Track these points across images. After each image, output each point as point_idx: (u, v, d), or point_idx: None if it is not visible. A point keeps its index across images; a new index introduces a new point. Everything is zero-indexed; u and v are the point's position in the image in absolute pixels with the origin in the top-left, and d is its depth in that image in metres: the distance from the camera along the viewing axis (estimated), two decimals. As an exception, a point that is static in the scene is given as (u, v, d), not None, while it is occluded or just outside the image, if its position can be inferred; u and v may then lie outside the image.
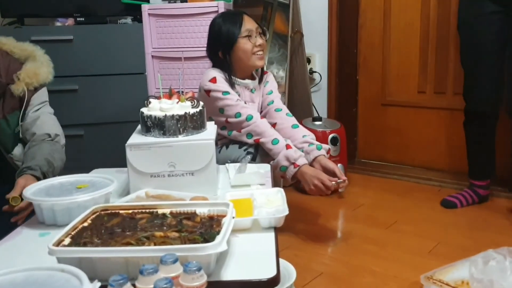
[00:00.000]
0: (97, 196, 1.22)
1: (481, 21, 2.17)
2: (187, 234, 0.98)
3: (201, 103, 1.46)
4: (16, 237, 1.18)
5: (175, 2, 2.72)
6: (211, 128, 1.47)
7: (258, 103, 2.12)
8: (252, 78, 2.10)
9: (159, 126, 1.37)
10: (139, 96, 2.38)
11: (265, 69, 2.18)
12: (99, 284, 0.80)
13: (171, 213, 1.09)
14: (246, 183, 1.45)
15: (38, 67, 1.75)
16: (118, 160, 1.57)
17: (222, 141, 2.01)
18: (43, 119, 1.73)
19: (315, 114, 2.99)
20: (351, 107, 3.15)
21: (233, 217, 1.05)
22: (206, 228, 1.00)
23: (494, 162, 2.41)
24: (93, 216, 1.09)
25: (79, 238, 0.98)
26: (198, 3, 2.60)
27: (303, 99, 2.97)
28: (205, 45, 2.08)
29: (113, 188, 1.28)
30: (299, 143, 1.97)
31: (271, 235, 1.13)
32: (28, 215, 1.36)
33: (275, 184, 1.53)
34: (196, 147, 1.35)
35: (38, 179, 1.46)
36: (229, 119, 1.94)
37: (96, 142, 2.69)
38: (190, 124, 1.39)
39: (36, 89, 1.75)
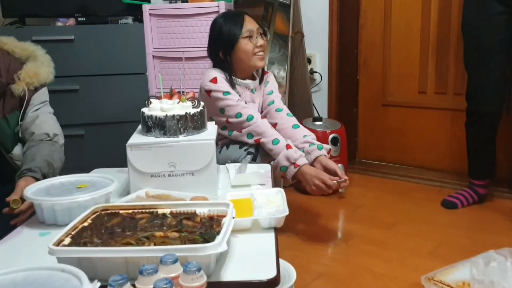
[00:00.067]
0: (97, 196, 1.22)
1: (486, 21, 2.16)
2: (187, 234, 0.98)
3: (202, 103, 1.46)
4: (16, 236, 1.18)
5: (176, 2, 2.72)
6: (211, 128, 1.47)
7: (259, 103, 2.12)
8: (253, 78, 2.10)
9: (160, 126, 1.37)
10: (140, 96, 2.39)
11: (265, 69, 2.18)
12: (99, 284, 0.80)
13: (171, 213, 1.09)
14: (246, 183, 1.45)
15: (39, 67, 1.75)
16: (119, 160, 1.57)
17: (222, 141, 2.01)
18: (42, 118, 1.73)
19: (316, 114, 2.99)
20: (351, 107, 3.15)
21: (233, 217, 1.05)
22: (206, 228, 1.00)
23: (495, 162, 2.40)
24: (93, 216, 1.09)
25: (79, 238, 0.98)
26: (199, 3, 2.60)
27: (303, 99, 2.97)
28: (206, 45, 2.08)
29: (114, 188, 1.28)
30: (300, 143, 1.97)
31: (271, 235, 1.13)
32: (28, 217, 1.36)
33: (275, 184, 1.53)
34: (196, 147, 1.35)
35: (39, 180, 1.46)
36: (230, 119, 1.94)
37: (97, 142, 2.69)
38: (191, 124, 1.39)
39: (36, 89, 1.75)
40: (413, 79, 2.91)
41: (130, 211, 1.11)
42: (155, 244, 0.93)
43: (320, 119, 2.84)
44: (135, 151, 1.34)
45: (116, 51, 2.64)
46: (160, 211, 1.10)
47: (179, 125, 1.37)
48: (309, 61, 3.03)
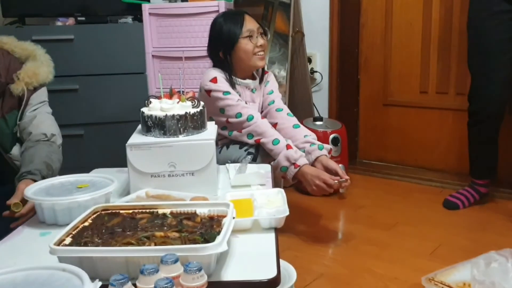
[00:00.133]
0: (97, 196, 1.22)
1: (491, 20, 2.15)
2: (188, 234, 0.98)
3: (202, 103, 1.46)
4: (17, 236, 1.18)
5: (175, 2, 2.72)
6: (211, 128, 1.47)
7: (259, 103, 2.11)
8: (253, 78, 2.09)
9: (160, 126, 1.37)
10: (140, 96, 2.38)
11: (266, 69, 2.17)
12: (100, 283, 0.80)
13: (171, 213, 1.09)
14: (246, 184, 1.45)
15: (38, 66, 1.74)
16: (118, 160, 1.57)
17: (222, 141, 2.01)
18: (39, 118, 1.72)
19: (316, 114, 2.99)
20: (352, 107, 3.14)
21: (234, 218, 1.04)
22: (207, 228, 1.00)
23: (496, 162, 2.39)
24: (94, 215, 1.09)
25: (79, 238, 0.98)
26: (199, 2, 2.60)
27: (304, 99, 2.97)
28: (206, 45, 2.07)
29: (114, 188, 1.28)
30: (300, 143, 1.96)
31: (272, 235, 1.13)
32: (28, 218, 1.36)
33: (275, 184, 1.53)
34: (196, 147, 1.35)
35: None
36: (230, 119, 1.94)
37: (96, 142, 2.68)
38: (191, 124, 1.39)
39: (35, 89, 1.74)
40: (415, 78, 2.91)
41: (131, 211, 1.11)
42: (155, 244, 0.93)
43: (320, 119, 2.84)
44: (135, 151, 1.33)
45: (116, 50, 2.63)
46: (160, 211, 1.10)
47: (179, 125, 1.37)
48: (310, 61, 3.03)
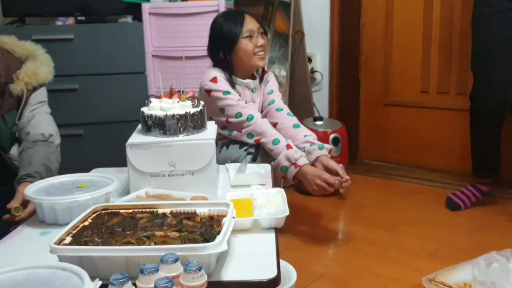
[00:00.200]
0: (97, 196, 1.22)
1: (494, 18, 2.13)
2: (188, 234, 0.97)
3: (202, 102, 1.46)
4: (17, 236, 1.18)
5: (175, 1, 2.71)
6: (211, 128, 1.46)
7: (259, 102, 2.11)
8: (253, 77, 2.09)
9: (160, 125, 1.36)
10: (139, 96, 2.38)
11: (266, 68, 2.17)
12: (100, 282, 0.80)
13: (171, 212, 1.09)
14: (246, 183, 1.45)
15: (38, 66, 1.74)
16: (118, 159, 1.56)
17: (222, 141, 2.01)
18: (37, 118, 1.72)
19: (316, 114, 2.99)
20: (352, 107, 3.14)
21: (234, 217, 1.04)
22: (207, 228, 1.00)
23: (499, 161, 2.37)
24: (94, 215, 1.09)
25: (80, 237, 0.98)
26: (199, 2, 2.59)
27: (304, 99, 2.96)
28: (206, 45, 2.07)
29: (113, 188, 1.28)
30: (300, 143, 1.96)
31: (272, 235, 1.13)
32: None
33: (275, 184, 1.53)
34: (196, 146, 1.35)
35: None
36: (230, 119, 1.93)
37: (96, 142, 2.68)
38: (191, 123, 1.38)
39: (35, 89, 1.73)
40: (415, 78, 2.91)
41: (130, 210, 1.11)
42: (155, 244, 0.93)
43: (320, 118, 2.84)
44: (135, 151, 1.33)
45: (116, 50, 2.63)
46: (160, 210, 1.10)
47: (179, 125, 1.36)
48: (310, 60, 3.02)
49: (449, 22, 2.73)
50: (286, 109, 2.10)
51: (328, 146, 2.01)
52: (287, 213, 1.17)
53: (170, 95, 1.46)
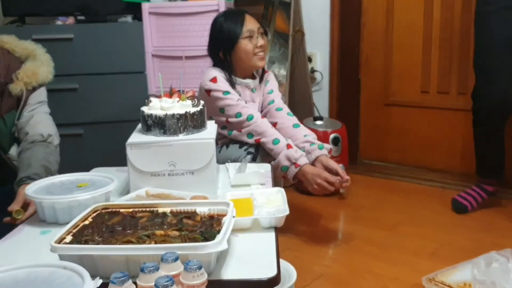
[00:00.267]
0: (97, 195, 1.22)
1: (498, 15, 2.12)
2: (188, 233, 0.98)
3: (202, 102, 1.46)
4: (17, 234, 1.18)
5: (175, 1, 2.71)
6: (211, 127, 1.47)
7: (259, 102, 2.11)
8: (253, 77, 2.09)
9: (160, 125, 1.36)
10: (139, 95, 2.38)
11: (266, 68, 2.17)
12: (100, 281, 0.80)
13: (171, 212, 1.09)
14: (246, 183, 1.45)
15: (38, 66, 1.73)
16: (118, 159, 1.56)
17: (222, 141, 2.01)
18: (36, 118, 1.71)
19: (316, 114, 2.99)
20: (353, 107, 3.14)
21: (234, 217, 1.04)
22: (207, 227, 1.00)
23: (503, 161, 2.35)
24: (94, 214, 1.09)
25: (80, 236, 0.98)
26: (199, 1, 2.60)
27: (304, 99, 2.96)
28: (206, 44, 2.07)
29: (114, 187, 1.28)
30: (300, 142, 1.96)
31: (272, 235, 1.13)
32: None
33: (275, 184, 1.52)
34: (196, 146, 1.35)
35: None
36: (230, 119, 1.93)
37: (96, 141, 2.68)
38: (191, 123, 1.38)
39: (34, 89, 1.73)
40: (416, 78, 2.91)
41: (131, 209, 1.11)
42: (155, 243, 0.93)
43: (321, 118, 2.84)
44: (135, 150, 1.33)
45: (116, 50, 2.63)
46: (160, 210, 1.10)
47: (179, 124, 1.36)
48: (310, 60, 3.03)
49: (450, 22, 2.73)
50: (286, 108, 2.10)
51: (328, 145, 2.01)
52: (287, 212, 1.17)
53: (170, 94, 1.46)
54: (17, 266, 0.86)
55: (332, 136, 2.70)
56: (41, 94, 1.77)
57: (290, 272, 1.61)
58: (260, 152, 1.92)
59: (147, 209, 1.10)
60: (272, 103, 2.09)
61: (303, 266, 1.84)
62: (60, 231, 0.98)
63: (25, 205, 1.36)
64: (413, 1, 2.83)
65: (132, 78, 2.67)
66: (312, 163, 1.92)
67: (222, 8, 2.50)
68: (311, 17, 2.95)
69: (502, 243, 1.87)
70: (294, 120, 2.06)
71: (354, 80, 3.11)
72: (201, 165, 1.35)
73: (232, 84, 1.99)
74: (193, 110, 1.39)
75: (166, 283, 0.75)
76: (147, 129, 1.39)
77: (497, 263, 1.56)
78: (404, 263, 1.91)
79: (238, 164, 1.60)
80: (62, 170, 1.61)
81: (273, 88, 2.14)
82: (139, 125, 1.45)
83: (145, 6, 2.63)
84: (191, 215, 1.07)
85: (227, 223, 0.98)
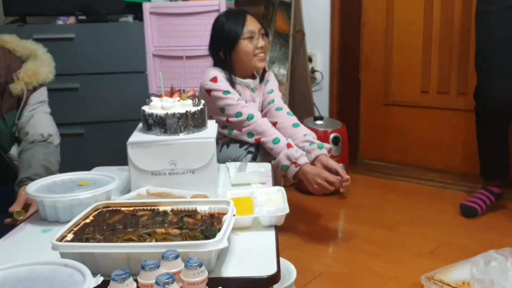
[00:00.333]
0: (98, 194, 1.22)
1: (499, 14, 2.11)
2: (188, 231, 0.98)
3: (202, 101, 1.46)
4: (19, 233, 1.18)
5: (176, 1, 2.72)
6: (212, 127, 1.47)
7: (259, 102, 2.12)
8: (253, 77, 2.10)
9: (161, 124, 1.37)
10: (140, 95, 2.39)
11: (266, 68, 2.18)
12: (101, 278, 0.80)
13: (172, 210, 1.09)
14: (246, 182, 1.45)
15: (39, 66, 1.73)
16: (119, 158, 1.57)
17: (223, 140, 2.01)
18: (37, 118, 1.71)
19: (317, 114, 2.99)
20: (353, 107, 3.14)
21: (234, 215, 1.05)
22: (207, 226, 1.00)
23: (508, 162, 2.32)
24: (95, 213, 1.10)
25: (81, 234, 0.98)
26: (200, 1, 2.60)
27: (304, 98, 2.97)
28: (207, 44, 2.08)
29: (115, 186, 1.28)
30: (300, 142, 1.97)
31: (272, 233, 1.13)
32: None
33: (275, 184, 1.53)
34: (197, 145, 1.35)
35: None
36: (230, 119, 1.94)
37: (97, 141, 2.69)
38: (191, 122, 1.39)
39: (35, 89, 1.73)
40: (416, 78, 2.91)
41: (132, 208, 1.11)
42: (156, 241, 0.94)
43: (321, 118, 2.84)
44: (136, 149, 1.34)
45: (116, 49, 2.64)
46: (161, 208, 1.10)
47: (180, 123, 1.37)
48: (310, 60, 3.03)
49: (449, 22, 2.73)
50: (285, 108, 2.11)
51: (328, 145, 2.01)
52: (287, 211, 1.18)
53: (171, 94, 1.46)
54: (19, 264, 0.87)
55: (332, 135, 2.70)
56: (42, 94, 1.78)
57: (290, 271, 1.61)
58: (260, 151, 1.92)
59: (148, 208, 1.10)
60: (272, 103, 2.10)
61: (303, 265, 1.85)
62: (61, 229, 0.98)
63: (26, 206, 1.37)
64: (413, 1, 2.84)
65: (133, 77, 2.68)
66: (312, 163, 1.93)
67: (223, 8, 2.51)
68: (311, 17, 2.96)
69: (501, 243, 1.87)
70: (294, 119, 2.07)
71: (354, 80, 3.11)
72: (202, 164, 1.35)
73: (233, 84, 2.00)
74: (193, 109, 1.39)
75: (167, 280, 0.76)
76: (148, 128, 1.39)
77: (496, 262, 1.56)
78: (404, 262, 1.92)
79: (238, 163, 1.60)
80: (63, 169, 1.61)
81: (273, 87, 2.15)
82: (140, 124, 1.45)
83: (146, 6, 2.63)
84: (192, 213, 1.07)
85: (228, 222, 0.99)
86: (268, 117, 2.03)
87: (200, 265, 0.81)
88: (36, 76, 1.71)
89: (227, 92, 1.94)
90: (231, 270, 0.95)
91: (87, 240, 0.96)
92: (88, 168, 1.55)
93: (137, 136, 1.39)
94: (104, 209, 1.11)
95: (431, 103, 2.88)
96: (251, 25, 1.99)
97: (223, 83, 1.96)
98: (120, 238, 0.96)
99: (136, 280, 0.80)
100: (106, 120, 2.68)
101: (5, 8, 2.68)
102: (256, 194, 1.29)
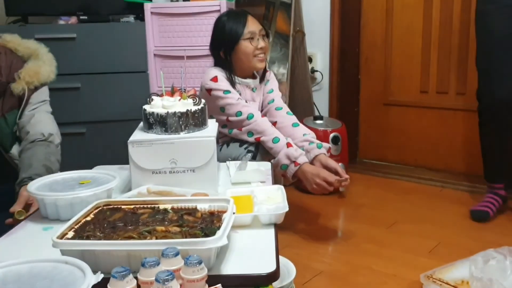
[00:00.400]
0: (99, 192, 1.23)
1: (499, 13, 2.10)
2: (188, 229, 0.99)
3: (203, 100, 1.47)
4: (20, 230, 1.19)
5: (177, 1, 2.73)
6: (212, 126, 1.48)
7: (259, 101, 2.13)
8: (253, 77, 2.11)
9: (161, 123, 1.38)
10: (141, 95, 2.39)
11: (267, 68, 2.18)
12: (102, 276, 0.81)
13: (172, 208, 1.10)
14: (246, 181, 1.46)
15: (40, 65, 1.73)
16: (120, 158, 1.58)
17: (223, 139, 2.02)
18: (37, 117, 1.72)
19: (317, 113, 3.00)
20: (352, 107, 3.15)
21: (234, 213, 1.05)
22: (207, 223, 1.01)
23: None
24: (96, 210, 1.10)
25: (82, 232, 0.99)
26: (201, 2, 2.61)
27: (304, 98, 2.98)
28: (207, 44, 2.09)
29: (115, 184, 1.28)
30: (299, 141, 1.97)
31: (271, 231, 1.14)
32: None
33: (275, 183, 1.53)
34: (197, 144, 1.36)
35: None
36: (230, 118, 1.95)
37: (98, 140, 2.70)
38: (192, 121, 1.40)
39: (36, 88, 1.73)
40: (415, 78, 2.92)
41: (132, 206, 1.12)
42: (156, 238, 0.95)
43: (321, 118, 2.85)
44: (136, 148, 1.34)
45: (118, 49, 2.64)
46: (161, 206, 1.11)
47: (180, 122, 1.38)
48: (310, 60, 3.04)
49: (449, 22, 2.74)
50: (285, 108, 2.12)
51: (327, 145, 2.02)
52: (287, 209, 1.18)
53: (172, 93, 1.47)
54: (20, 261, 0.87)
55: (332, 135, 2.71)
56: (43, 93, 1.78)
57: (289, 269, 1.62)
58: (260, 150, 1.93)
59: (148, 206, 1.11)
60: (272, 103, 2.11)
61: (302, 263, 1.86)
62: (62, 227, 0.99)
63: (27, 206, 1.37)
64: (412, 2, 2.85)
65: (134, 77, 2.69)
66: (311, 162, 1.93)
67: (224, 9, 2.52)
68: (311, 17, 2.97)
69: (500, 242, 1.87)
70: (294, 119, 2.08)
71: (354, 80, 3.12)
72: (202, 162, 1.36)
73: (233, 84, 2.01)
74: (194, 108, 1.40)
75: (167, 278, 0.77)
76: (149, 127, 1.40)
77: (495, 260, 1.57)
78: (403, 260, 1.93)
79: (238, 162, 1.61)
80: (64, 168, 1.61)
81: (273, 87, 2.16)
82: (141, 123, 1.46)
83: (147, 6, 2.64)
84: (192, 211, 1.08)
85: (227, 220, 0.99)
86: (268, 117, 2.04)
87: (200, 263, 0.82)
88: (38, 75, 1.72)
89: (227, 91, 1.95)
90: (231, 267, 0.96)
91: (87, 238, 0.96)
92: (90, 167, 1.56)
93: (138, 135, 1.40)
94: (104, 207, 1.12)
95: (430, 103, 2.89)
96: (252, 26, 2.00)
97: (223, 82, 1.97)
98: (120, 236, 0.96)
99: (136, 277, 0.81)
100: (107, 119, 2.69)
101: (7, 8, 2.69)
102: (256, 192, 1.30)
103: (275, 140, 1.89)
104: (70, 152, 1.86)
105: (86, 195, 1.21)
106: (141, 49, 2.66)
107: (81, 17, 2.68)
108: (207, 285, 0.83)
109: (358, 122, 3.18)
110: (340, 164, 2.09)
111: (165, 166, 1.35)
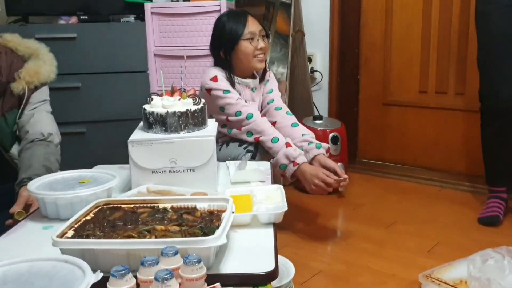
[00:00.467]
0: (99, 191, 1.23)
1: (499, 13, 2.09)
2: (188, 228, 0.99)
3: (203, 100, 1.47)
4: (20, 229, 1.19)
5: (177, 1, 2.74)
6: (212, 125, 1.48)
7: (259, 101, 2.13)
8: (253, 77, 2.11)
9: (161, 122, 1.38)
10: (141, 94, 2.40)
11: (266, 68, 2.19)
12: (101, 274, 0.81)
13: (172, 207, 1.10)
14: (246, 180, 1.46)
15: (40, 65, 1.74)
16: (120, 157, 1.58)
17: (222, 139, 2.03)
18: (37, 117, 1.72)
19: (316, 113, 3.01)
20: (352, 107, 3.16)
21: (233, 212, 1.06)
22: (206, 223, 1.02)
23: None
24: (96, 210, 1.11)
25: (82, 231, 0.99)
26: (201, 2, 2.61)
27: (304, 98, 2.98)
28: (207, 44, 2.09)
29: (115, 183, 1.29)
30: (298, 141, 1.98)
31: (270, 230, 1.14)
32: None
33: (275, 182, 1.54)
34: (197, 143, 1.36)
35: None
36: (230, 118, 1.95)
37: (98, 140, 2.70)
38: (192, 121, 1.40)
39: (36, 88, 1.74)
40: (414, 78, 2.92)
41: (132, 205, 1.12)
42: (156, 237, 0.95)
43: (320, 117, 2.86)
44: (136, 147, 1.35)
45: (118, 49, 2.65)
46: (161, 205, 1.11)
47: (180, 122, 1.38)
48: (310, 60, 3.05)
49: (448, 22, 2.74)
50: (285, 108, 2.12)
51: (326, 145, 2.02)
52: (286, 208, 1.19)
53: (172, 93, 1.47)
54: (20, 260, 0.88)
55: (331, 135, 2.72)
56: (43, 93, 1.78)
57: (288, 268, 1.63)
58: (260, 150, 1.94)
59: (148, 205, 1.11)
60: (272, 103, 2.11)
61: (301, 262, 1.86)
62: (62, 226, 0.99)
63: (27, 207, 1.38)
64: (412, 2, 2.85)
65: (134, 77, 2.69)
66: (310, 162, 1.94)
67: (224, 9, 2.52)
68: (311, 17, 2.97)
69: (499, 241, 1.88)
70: (293, 119, 2.08)
71: (354, 80, 3.13)
72: (202, 162, 1.36)
73: (233, 83, 2.01)
74: (194, 108, 1.41)
75: (166, 276, 0.77)
76: (149, 126, 1.40)
77: (493, 260, 1.58)
78: (402, 260, 1.93)
79: (238, 162, 1.62)
80: (65, 168, 1.61)
81: (272, 87, 2.16)
82: (141, 123, 1.46)
83: (148, 6, 2.65)
84: (191, 210, 1.08)
85: (226, 219, 1.00)
86: (267, 117, 2.04)
87: (199, 262, 0.82)
88: (38, 75, 1.72)
89: (227, 91, 1.96)
90: (230, 266, 0.96)
91: (87, 237, 0.97)
92: (90, 166, 1.56)
93: (138, 134, 1.40)
94: (104, 206, 1.12)
95: (430, 103, 2.89)
96: (252, 26, 2.00)
97: (223, 82, 1.97)
98: (120, 235, 0.97)
99: (135, 276, 0.81)
100: (107, 119, 2.70)
101: (7, 8, 2.69)
102: (255, 192, 1.30)
103: (274, 140, 1.90)
104: (70, 151, 1.86)
105: (86, 194, 1.21)
106: (141, 49, 2.67)
107: (81, 17, 2.69)
108: (206, 284, 0.84)
109: (357, 122, 3.18)
110: (339, 164, 2.10)
111: (164, 166, 1.35)
